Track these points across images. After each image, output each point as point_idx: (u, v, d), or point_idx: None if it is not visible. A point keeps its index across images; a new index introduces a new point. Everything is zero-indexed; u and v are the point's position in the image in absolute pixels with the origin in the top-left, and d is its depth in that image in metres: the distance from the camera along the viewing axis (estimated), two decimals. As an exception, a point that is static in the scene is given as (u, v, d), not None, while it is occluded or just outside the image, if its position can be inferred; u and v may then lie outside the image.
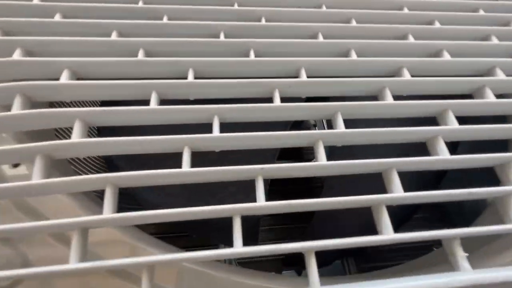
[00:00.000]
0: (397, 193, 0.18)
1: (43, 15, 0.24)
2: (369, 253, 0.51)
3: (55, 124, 0.19)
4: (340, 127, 0.21)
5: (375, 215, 0.19)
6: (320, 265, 0.17)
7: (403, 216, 0.41)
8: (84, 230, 0.17)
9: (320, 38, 0.26)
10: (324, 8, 0.28)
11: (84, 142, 0.18)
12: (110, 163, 0.40)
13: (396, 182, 0.19)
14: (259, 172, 0.18)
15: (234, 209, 0.17)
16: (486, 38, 0.28)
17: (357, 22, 0.28)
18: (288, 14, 0.27)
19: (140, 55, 0.23)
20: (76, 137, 0.19)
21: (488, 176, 0.21)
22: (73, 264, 0.16)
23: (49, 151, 0.18)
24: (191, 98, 0.23)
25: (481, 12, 0.30)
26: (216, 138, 0.19)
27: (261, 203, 0.17)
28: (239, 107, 0.20)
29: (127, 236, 0.22)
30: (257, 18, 0.27)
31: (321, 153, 0.20)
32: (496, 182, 0.21)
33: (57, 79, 0.20)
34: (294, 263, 0.52)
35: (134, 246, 0.22)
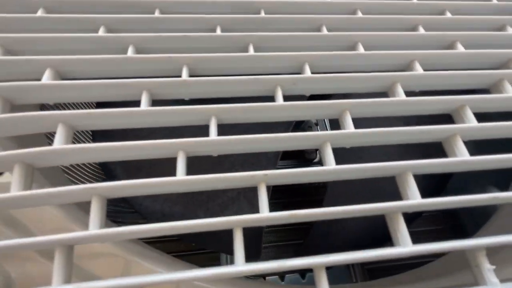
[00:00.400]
0: (415, 199, 0.17)
1: (25, 11, 0.22)
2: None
3: (35, 129, 0.17)
4: (349, 127, 0.19)
5: (390, 224, 0.17)
6: None
7: (411, 217, 0.40)
8: (69, 247, 0.15)
9: (324, 31, 0.24)
10: (327, -1, 0.27)
11: (67, 148, 0.16)
12: (106, 171, 0.38)
13: (412, 187, 0.17)
14: (262, 179, 0.17)
15: (234, 222, 0.15)
16: (501, 28, 0.26)
17: (363, 13, 0.26)
18: (289, 5, 0.25)
19: (130, 52, 0.21)
20: (59, 143, 0.17)
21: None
22: (56, 286, 0.14)
23: (29, 160, 0.17)
24: (186, 98, 0.21)
25: (495, 1, 0.28)
26: (214, 142, 0.18)
27: (263, 214, 0.15)
28: (238, 106, 0.19)
29: (120, 249, 0.20)
30: (256, 11, 0.25)
31: (329, 156, 0.18)
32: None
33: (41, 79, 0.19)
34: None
35: (128, 260, 0.20)
